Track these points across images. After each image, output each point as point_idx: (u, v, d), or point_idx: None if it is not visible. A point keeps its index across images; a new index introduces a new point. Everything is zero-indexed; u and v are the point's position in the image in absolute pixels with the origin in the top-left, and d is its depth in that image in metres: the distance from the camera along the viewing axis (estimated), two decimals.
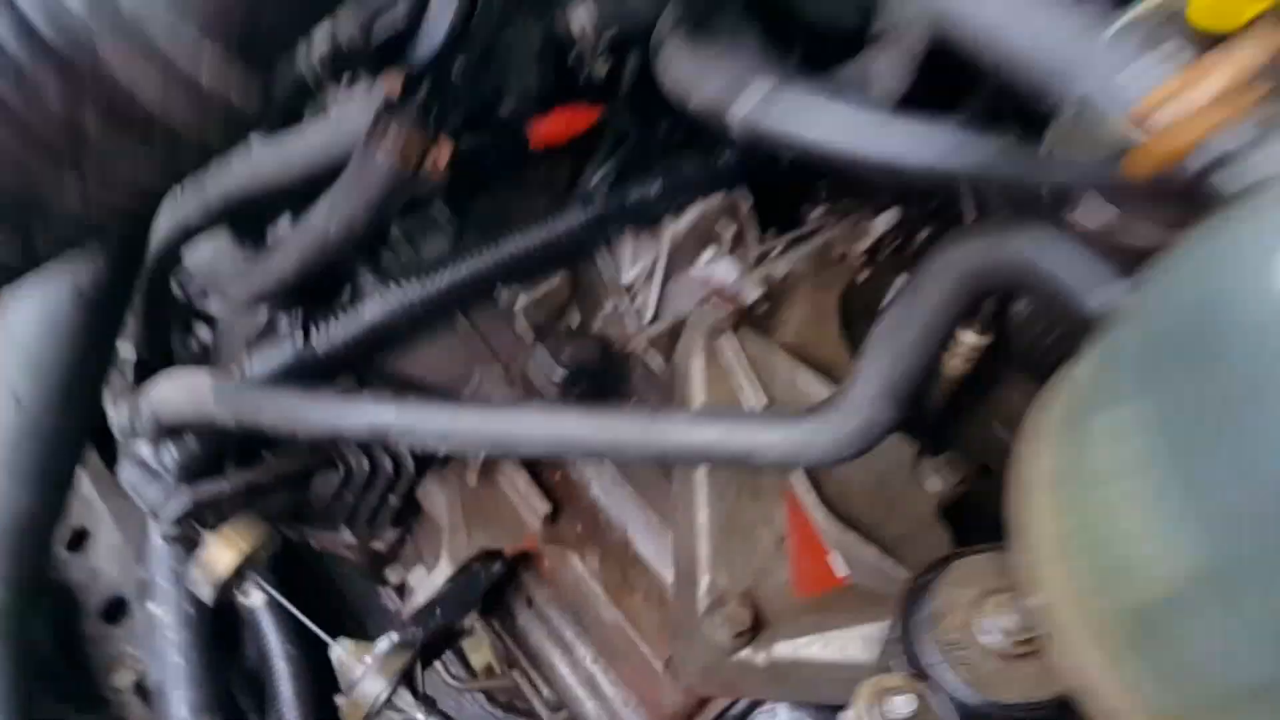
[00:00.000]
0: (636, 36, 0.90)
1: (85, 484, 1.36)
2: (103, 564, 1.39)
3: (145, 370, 1.13)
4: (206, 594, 1.10)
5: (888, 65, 0.93)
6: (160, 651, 1.18)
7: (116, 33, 0.47)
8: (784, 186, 1.29)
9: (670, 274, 1.24)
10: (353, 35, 0.84)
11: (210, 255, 1.09)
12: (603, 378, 1.15)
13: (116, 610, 1.38)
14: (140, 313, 1.11)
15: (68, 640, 1.34)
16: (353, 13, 0.84)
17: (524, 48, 0.94)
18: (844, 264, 1.20)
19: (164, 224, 1.01)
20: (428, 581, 1.24)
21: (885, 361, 0.83)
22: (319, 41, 0.81)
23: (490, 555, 1.17)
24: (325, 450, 1.16)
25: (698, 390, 1.10)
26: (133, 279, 0.95)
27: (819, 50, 0.94)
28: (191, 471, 1.12)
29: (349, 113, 0.97)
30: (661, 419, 0.93)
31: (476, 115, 0.98)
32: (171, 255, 1.05)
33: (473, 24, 0.85)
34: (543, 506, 1.19)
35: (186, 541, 1.12)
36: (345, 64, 0.85)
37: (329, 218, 0.97)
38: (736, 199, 1.24)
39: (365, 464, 1.16)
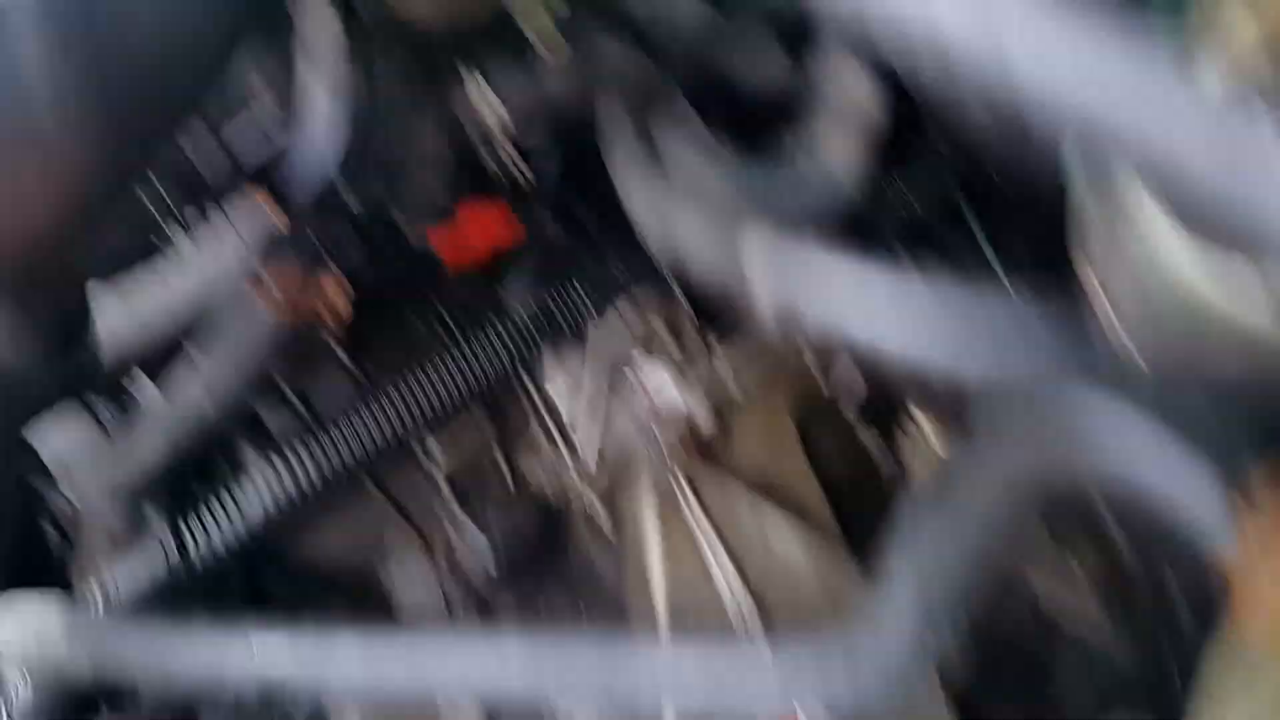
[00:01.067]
0: (559, 128, 0.76)
1: None
2: None
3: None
4: None
5: (842, 143, 0.81)
6: None
7: None
8: None
9: (615, 407, 1.09)
10: (212, 154, 0.67)
11: (60, 437, 0.87)
12: (542, 548, 0.99)
13: None
14: None
15: None
16: (204, 127, 0.67)
17: (421, 152, 0.79)
18: (801, 367, 1.07)
19: None
20: None
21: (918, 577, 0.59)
22: (165, 164, 0.64)
23: None
24: None
25: (654, 559, 0.95)
26: None
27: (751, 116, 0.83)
28: None
29: (214, 253, 0.80)
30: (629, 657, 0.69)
31: (375, 242, 0.83)
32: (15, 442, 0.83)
33: (357, 129, 0.70)
34: None
35: None
36: (202, 191, 0.68)
37: (203, 388, 0.79)
38: (671, 295, 1.11)
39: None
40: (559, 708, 0.81)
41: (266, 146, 0.66)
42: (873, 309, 0.51)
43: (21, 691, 0.86)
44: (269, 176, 0.69)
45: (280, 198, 0.70)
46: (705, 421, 1.06)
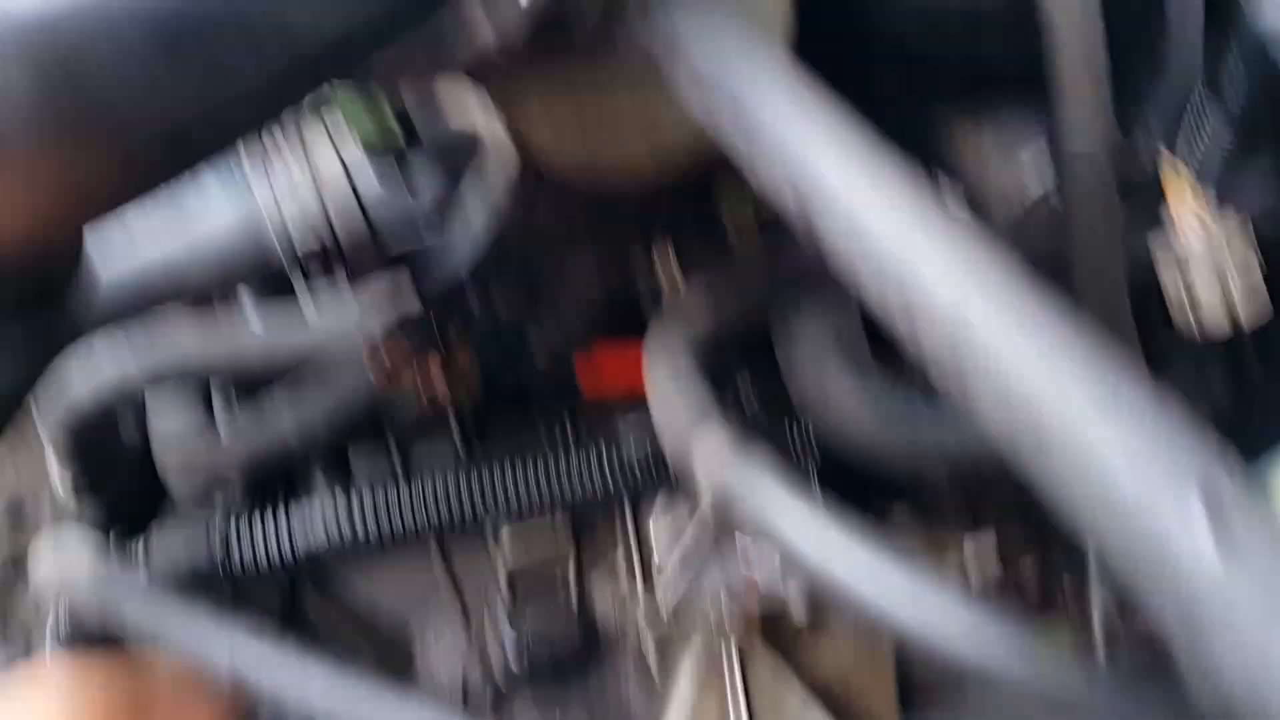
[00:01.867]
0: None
1: None
2: None
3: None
4: None
5: None
6: None
7: None
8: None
9: (703, 548, 1.02)
10: (358, 234, 0.63)
11: (169, 418, 0.89)
12: (574, 660, 0.93)
13: None
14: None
15: None
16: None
17: (573, 286, 0.74)
18: None
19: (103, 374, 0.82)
20: None
21: None
22: (304, 232, 0.61)
23: None
24: None
25: (678, 705, 0.88)
26: None
27: None
28: None
29: (344, 314, 0.78)
30: None
31: (507, 353, 0.79)
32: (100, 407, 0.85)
33: (506, 244, 0.65)
34: None
35: None
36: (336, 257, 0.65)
37: (294, 420, 0.78)
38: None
39: None
40: None
41: (412, 237, 0.63)
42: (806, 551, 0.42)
43: (57, 617, 0.90)
44: (406, 262, 0.65)
45: (412, 284, 0.67)
46: (798, 610, 0.98)
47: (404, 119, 0.57)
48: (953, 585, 0.33)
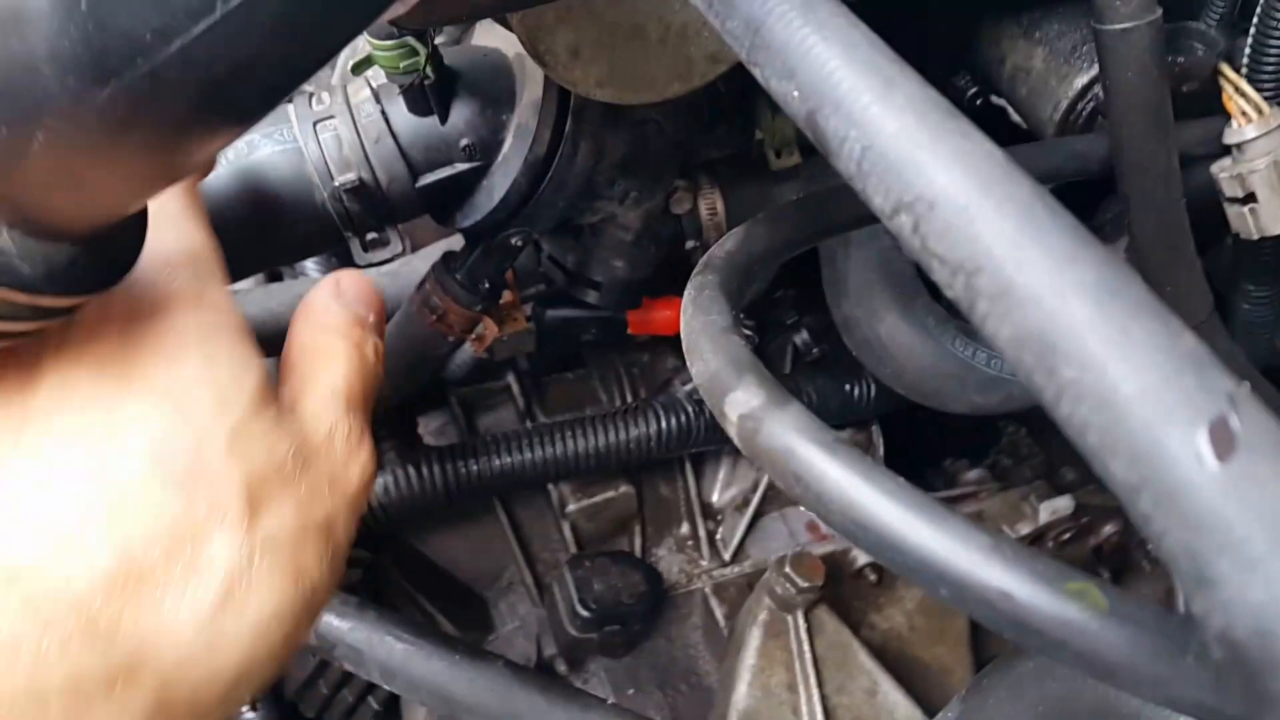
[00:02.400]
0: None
1: None
2: None
3: None
4: None
5: None
6: None
7: None
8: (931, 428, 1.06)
9: (766, 506, 1.02)
10: (391, 160, 0.65)
11: None
12: (642, 618, 0.93)
13: None
14: None
15: None
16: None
17: (621, 227, 0.75)
18: None
19: None
20: None
21: None
22: (340, 164, 0.63)
23: None
24: None
25: (744, 672, 0.88)
26: None
27: None
28: None
29: (414, 262, 0.81)
30: None
31: (558, 292, 0.80)
32: None
33: (544, 194, 0.66)
34: None
35: None
36: (379, 202, 0.66)
37: None
38: (869, 429, 1.02)
39: None
40: None
41: (445, 163, 0.64)
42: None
43: None
44: (446, 195, 0.67)
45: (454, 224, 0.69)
46: (862, 563, 0.96)
47: (433, 51, 0.59)
48: (986, 534, 0.31)
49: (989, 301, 0.26)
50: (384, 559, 0.97)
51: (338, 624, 0.75)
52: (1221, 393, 0.23)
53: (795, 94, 0.30)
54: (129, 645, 0.33)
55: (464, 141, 0.62)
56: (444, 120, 0.62)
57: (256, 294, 0.81)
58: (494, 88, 0.63)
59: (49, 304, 0.32)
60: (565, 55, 0.54)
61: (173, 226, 0.39)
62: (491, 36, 0.69)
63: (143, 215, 0.35)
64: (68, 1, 0.26)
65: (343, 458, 0.39)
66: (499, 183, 0.64)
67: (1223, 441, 0.23)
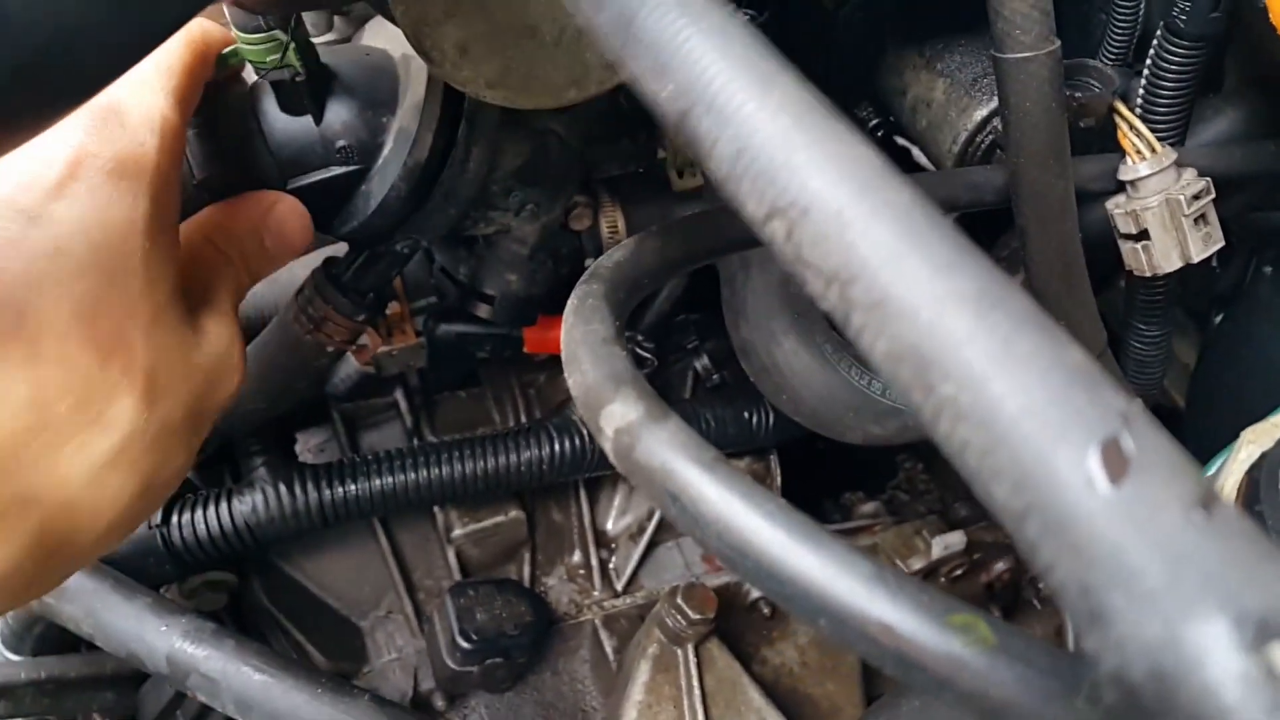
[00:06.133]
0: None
1: None
2: None
3: None
4: None
5: None
6: None
7: None
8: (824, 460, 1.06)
9: (661, 535, 0.99)
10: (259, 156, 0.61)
11: None
12: (527, 650, 0.89)
13: None
14: None
15: None
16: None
17: (517, 240, 0.72)
18: None
19: None
20: None
21: None
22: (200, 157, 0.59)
23: None
24: None
25: (630, 709, 0.85)
26: None
27: None
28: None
29: (293, 268, 0.76)
30: None
31: (452, 306, 0.77)
32: None
33: (434, 201, 0.63)
34: None
35: None
36: None
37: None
38: (768, 458, 1.01)
39: None
40: None
41: (316, 162, 0.61)
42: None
43: None
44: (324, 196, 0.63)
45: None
46: (755, 597, 0.95)
47: (306, 48, 0.55)
48: (870, 563, 0.29)
49: (864, 313, 0.24)
50: (251, 583, 0.91)
51: (191, 650, 0.70)
52: (1113, 410, 0.22)
53: (667, 93, 0.28)
54: (23, 483, 0.36)
55: (340, 143, 0.59)
56: (319, 120, 0.58)
57: None
58: (375, 88, 0.60)
59: None
60: (453, 53, 0.51)
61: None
62: (381, 37, 0.66)
63: None
64: None
65: (228, 370, 0.45)
66: (376, 188, 0.60)
67: (1115, 463, 0.21)
